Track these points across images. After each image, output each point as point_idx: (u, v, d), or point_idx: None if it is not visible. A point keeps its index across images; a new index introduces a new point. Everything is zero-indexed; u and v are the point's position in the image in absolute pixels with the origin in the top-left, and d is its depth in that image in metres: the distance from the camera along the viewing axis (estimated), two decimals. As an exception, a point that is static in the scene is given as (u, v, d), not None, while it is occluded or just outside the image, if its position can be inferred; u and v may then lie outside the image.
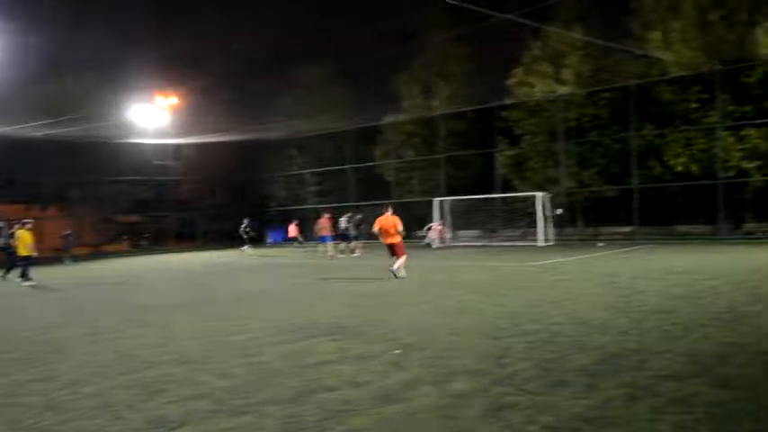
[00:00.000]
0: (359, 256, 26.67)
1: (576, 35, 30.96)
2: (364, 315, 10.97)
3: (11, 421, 5.85)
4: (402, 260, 17.06)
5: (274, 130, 42.37)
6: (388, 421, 5.33)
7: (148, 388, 6.72)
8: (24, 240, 20.76)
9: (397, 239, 17.14)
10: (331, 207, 34.57)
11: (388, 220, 17.19)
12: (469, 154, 39.10)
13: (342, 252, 27.43)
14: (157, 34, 22.53)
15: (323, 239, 27.63)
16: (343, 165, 42.43)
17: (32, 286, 19.99)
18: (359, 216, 29.18)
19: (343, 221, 30.15)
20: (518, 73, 35.38)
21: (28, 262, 20.90)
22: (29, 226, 21.29)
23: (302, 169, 44.92)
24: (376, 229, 17.33)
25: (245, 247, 32.95)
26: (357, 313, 11.25)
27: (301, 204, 44.21)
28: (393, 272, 16.80)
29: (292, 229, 35.47)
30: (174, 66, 30.02)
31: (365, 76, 35.79)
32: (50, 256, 33.51)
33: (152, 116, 40.66)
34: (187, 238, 47.93)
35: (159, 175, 45.54)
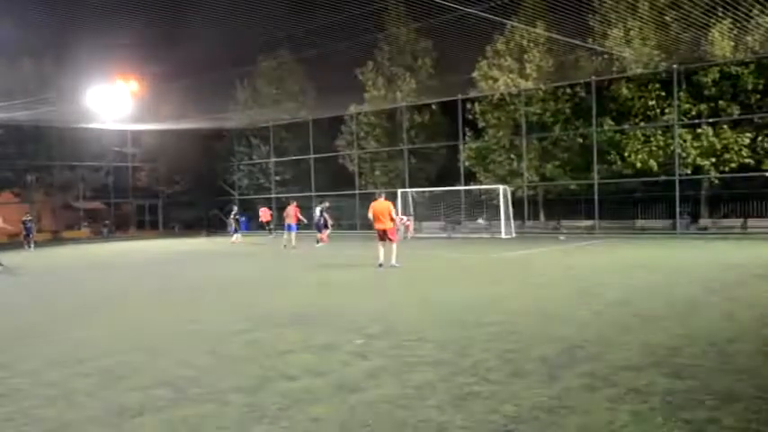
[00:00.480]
0: (325, 246, 26.60)
1: (539, 31, 31.19)
2: (329, 305, 10.96)
3: (-35, 409, 5.72)
4: (395, 248, 17.23)
5: (235, 119, 42.02)
6: (349, 410, 5.33)
7: (107, 376, 6.63)
8: None
9: (390, 225, 17.28)
10: (295, 197, 34.36)
11: (382, 206, 17.33)
12: (433, 146, 39.24)
13: (318, 242, 27.23)
14: (119, 16, 22.10)
15: (289, 228, 27.49)
16: (305, 154, 42.22)
17: None
18: (327, 205, 29.10)
19: (318, 211, 30.21)
20: (482, 66, 35.52)
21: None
22: None
23: (264, 158, 44.60)
24: (370, 214, 17.37)
25: (236, 236, 32.48)
26: (322, 303, 11.24)
27: (264, 194, 43.93)
28: (392, 264, 16.84)
29: (265, 214, 35.30)
30: (135, 49, 29.38)
31: (327, 66, 35.53)
32: (7, 242, 32.81)
33: (111, 101, 39.87)
34: (148, 225, 47.35)
35: (119, 161, 44.91)
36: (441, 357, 7.00)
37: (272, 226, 35.54)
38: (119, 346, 8.08)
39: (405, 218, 31.61)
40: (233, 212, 34.07)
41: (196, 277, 16.88)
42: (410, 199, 33.97)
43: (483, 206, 33.31)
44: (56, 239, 38.59)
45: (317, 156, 41.59)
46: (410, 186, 35.96)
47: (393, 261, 16.89)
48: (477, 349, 7.32)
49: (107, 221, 44.86)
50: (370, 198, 34.43)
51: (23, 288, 16.18)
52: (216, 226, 44.90)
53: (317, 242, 26.87)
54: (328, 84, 38.00)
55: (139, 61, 32.39)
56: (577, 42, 28.99)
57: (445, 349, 7.35)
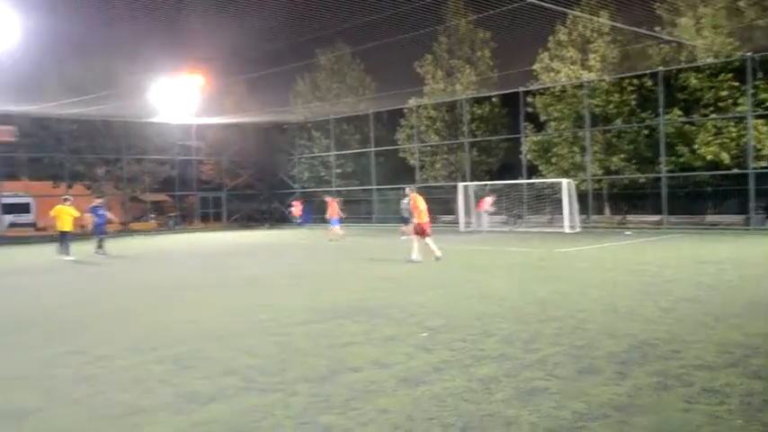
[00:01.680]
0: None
1: (603, 20, 30.50)
2: (390, 297, 10.99)
3: (46, 392, 5.96)
4: (413, 242, 17.23)
5: (296, 113, 42.42)
6: (415, 403, 5.34)
7: (179, 363, 6.80)
8: (63, 216, 21.14)
9: (424, 219, 17.23)
10: (354, 190, 34.58)
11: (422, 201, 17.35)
12: (494, 139, 38.87)
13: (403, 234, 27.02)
14: (186, 11, 22.50)
15: (332, 222, 28.02)
16: (365, 148, 42.39)
17: (72, 261, 20.47)
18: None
19: (405, 202, 30.37)
20: (543, 58, 34.97)
21: (66, 237, 21.30)
22: (69, 203, 21.72)
23: (325, 151, 44.93)
24: (424, 207, 17.24)
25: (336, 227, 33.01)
26: (382, 295, 11.27)
27: (325, 186, 44.30)
28: (412, 258, 16.81)
29: (297, 208, 35.71)
30: (201, 45, 29.94)
31: (386, 60, 35.54)
32: (79, 232, 33.89)
33: (177, 96, 40.81)
34: (212, 217, 48.27)
35: (184, 154, 45.95)
36: (506, 352, 6.94)
37: (300, 220, 35.89)
38: (189, 335, 8.28)
39: (489, 198, 31.16)
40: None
41: (259, 268, 17.13)
42: (471, 192, 33.72)
43: (546, 200, 32.78)
44: (124, 231, 39.63)
45: (377, 149, 41.67)
46: (471, 180, 35.70)
47: (413, 255, 16.90)
48: (542, 344, 7.24)
49: (172, 213, 45.89)
50: (430, 191, 34.49)
51: (98, 277, 16.70)
52: (277, 218, 45.54)
53: (402, 235, 26.56)
54: (388, 77, 38.05)
55: (204, 56, 33.07)
56: (644, 31, 28.25)
57: (510, 344, 7.29)
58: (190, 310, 10.47)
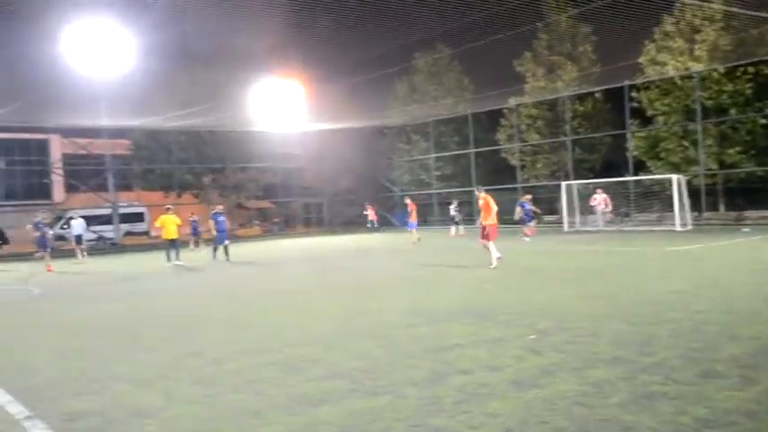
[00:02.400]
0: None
1: (715, 6, 29.10)
2: (494, 299, 10.86)
3: (167, 393, 6.21)
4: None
5: (394, 117, 42.64)
6: (527, 406, 5.23)
7: (288, 366, 6.94)
8: (169, 225, 22.24)
9: (490, 222, 16.44)
10: (455, 192, 34.37)
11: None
12: (598, 136, 37.83)
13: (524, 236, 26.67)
14: (287, 20, 23.09)
15: (411, 225, 28.24)
16: (465, 149, 42.18)
17: (177, 266, 21.56)
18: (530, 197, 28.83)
19: (453, 208, 30.63)
20: (649, 50, 33.72)
21: (175, 244, 22.54)
22: (171, 211, 22.85)
23: (425, 154, 44.98)
24: (496, 209, 16.51)
25: (456, 228, 33.28)
26: (484, 297, 11.15)
27: (425, 189, 44.36)
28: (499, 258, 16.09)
29: (370, 213, 35.84)
30: (300, 54, 30.58)
31: (485, 60, 35.16)
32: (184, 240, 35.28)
33: (278, 104, 41.87)
34: (314, 222, 49.22)
35: (285, 162, 47.11)
36: (619, 354, 6.71)
37: (376, 224, 35.90)
38: (296, 338, 8.45)
39: (600, 193, 30.22)
40: (453, 205, 34.70)
41: (361, 272, 17.30)
42: (575, 191, 32.93)
43: (654, 197, 31.59)
44: (231, 237, 40.91)
45: (477, 150, 41.39)
46: (574, 178, 34.89)
47: (494, 259, 15.94)
48: (658, 347, 6.95)
49: (276, 219, 47.13)
50: (533, 191, 33.92)
51: (208, 282, 17.33)
52: (378, 222, 45.92)
53: (524, 236, 26.24)
54: (486, 77, 37.66)
55: (304, 64, 33.76)
56: (765, 15, 26.66)
57: (623, 346, 7.04)
58: (295, 313, 10.70)
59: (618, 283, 12.49)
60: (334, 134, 45.00)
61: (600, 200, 30.14)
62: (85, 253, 28.97)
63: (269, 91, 38.84)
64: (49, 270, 22.01)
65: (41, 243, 22.46)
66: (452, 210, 34.01)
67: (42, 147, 50.46)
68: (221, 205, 23.90)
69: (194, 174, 44.23)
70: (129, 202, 44.49)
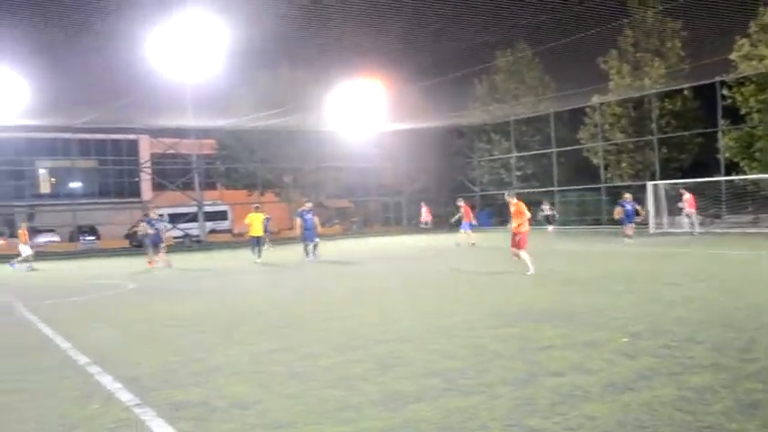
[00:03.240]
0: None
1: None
2: (582, 301, 10.72)
3: (262, 386, 6.42)
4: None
5: (474, 116, 42.44)
6: (624, 410, 5.19)
7: (379, 363, 7.06)
8: (256, 223, 23.15)
9: (524, 228, 15.62)
10: (536, 192, 33.93)
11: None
12: (687, 134, 36.70)
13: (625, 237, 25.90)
14: (364, 22, 23.35)
15: (467, 226, 27.90)
16: (546, 148, 41.63)
17: (260, 263, 22.32)
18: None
19: (546, 208, 30.23)
20: (743, 45, 32.50)
21: (260, 241, 23.42)
22: (259, 210, 23.63)
23: (505, 153, 44.61)
24: (528, 216, 15.71)
25: (550, 227, 33.23)
26: (569, 299, 11.02)
27: (505, 189, 44.02)
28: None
29: (424, 213, 35.66)
30: (379, 54, 30.82)
31: (567, 57, 34.58)
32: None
33: (357, 104, 42.31)
34: (393, 221, 49.48)
35: (364, 161, 47.52)
36: (718, 361, 6.55)
37: (430, 225, 35.62)
38: (384, 336, 8.57)
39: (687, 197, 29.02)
40: (545, 206, 34.60)
41: (443, 271, 17.33)
42: (662, 192, 32.06)
43: (748, 198, 30.46)
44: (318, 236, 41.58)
45: (558, 149, 40.80)
46: (661, 178, 33.96)
47: (529, 269, 15.21)
48: (761, 353, 6.75)
49: (355, 218, 47.64)
50: (615, 192, 33.20)
51: (296, 279, 17.71)
52: (457, 222, 45.83)
53: (624, 236, 25.51)
54: (569, 75, 37.08)
55: (384, 65, 33.99)
56: None
57: (722, 352, 6.87)
58: (381, 312, 10.83)
59: (713, 286, 12.14)
60: (412, 133, 45.20)
61: (688, 200, 29.17)
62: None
63: (349, 92, 39.29)
64: (150, 265, 22.41)
65: (155, 240, 22.84)
66: (546, 210, 33.70)
67: (132, 147, 52.47)
68: (310, 203, 23.86)
69: (276, 173, 45.15)
70: (213, 200, 45.79)
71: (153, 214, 23.93)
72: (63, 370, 7.57)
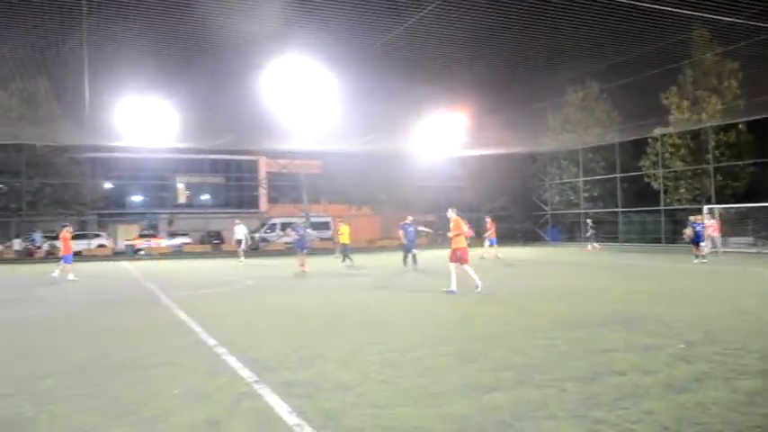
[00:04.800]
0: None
1: None
2: (643, 310, 10.36)
3: (361, 373, 6.55)
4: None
5: (547, 144, 41.75)
6: (680, 408, 5.04)
7: (460, 357, 7.07)
8: (345, 232, 24.29)
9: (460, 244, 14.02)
10: (599, 212, 32.95)
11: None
12: (740, 164, 34.93)
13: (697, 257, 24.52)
14: (452, 63, 23.41)
15: (491, 241, 27.22)
16: (611, 173, 40.54)
17: (350, 266, 22.79)
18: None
19: (589, 226, 29.70)
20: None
21: (346, 249, 24.12)
22: (344, 222, 25.17)
23: (574, 178, 43.65)
24: (466, 229, 14.13)
25: (592, 245, 32.57)
26: (635, 309, 10.66)
27: (573, 209, 43.11)
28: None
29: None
30: (462, 88, 30.77)
31: (632, 93, 33.60)
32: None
33: (443, 131, 42.41)
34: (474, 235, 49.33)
35: (448, 181, 47.58)
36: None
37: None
38: (466, 334, 8.57)
39: (708, 221, 27.46)
40: (589, 224, 33.90)
41: (516, 281, 17.10)
42: (716, 215, 30.55)
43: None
44: (399, 246, 41.72)
45: (622, 175, 39.67)
46: (716, 203, 32.40)
47: (451, 286, 13.75)
48: (810, 364, 6.41)
49: (440, 231, 47.54)
50: (674, 214, 31.93)
51: (388, 281, 17.83)
52: (529, 237, 45.30)
53: (696, 256, 23.63)
54: (633, 109, 36.04)
55: (466, 97, 33.98)
56: None
57: (773, 362, 6.55)
58: (465, 313, 10.82)
59: (765, 302, 11.52)
60: (493, 158, 44.84)
61: (711, 225, 27.45)
62: (242, 257, 28.16)
63: (437, 121, 39.45)
64: (303, 269, 21.12)
65: (300, 244, 22.06)
66: (589, 228, 32.86)
67: (252, 166, 54.14)
68: (411, 217, 23.07)
69: (372, 190, 45.69)
70: (317, 212, 46.76)
71: (299, 222, 24.22)
72: (196, 349, 7.93)
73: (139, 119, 30.49)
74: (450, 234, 14.03)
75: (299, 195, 46.47)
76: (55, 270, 20.66)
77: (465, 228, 13.91)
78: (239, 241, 28.50)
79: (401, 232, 22.33)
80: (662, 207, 36.46)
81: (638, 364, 6.51)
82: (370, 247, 37.88)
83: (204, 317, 10.78)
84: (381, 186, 45.47)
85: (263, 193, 52.99)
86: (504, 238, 45.96)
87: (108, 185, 47.95)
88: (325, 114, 29.66)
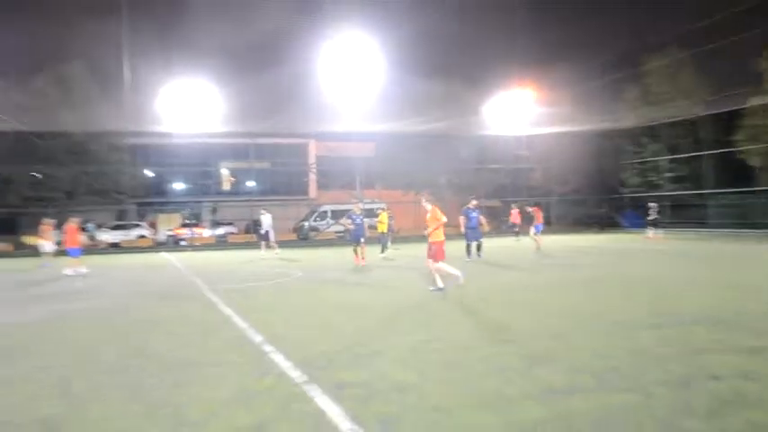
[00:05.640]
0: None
1: None
2: (741, 306, 9.90)
3: (419, 372, 6.46)
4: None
5: (625, 119, 40.63)
6: (791, 419, 4.75)
7: (531, 358, 6.88)
8: (383, 220, 24.24)
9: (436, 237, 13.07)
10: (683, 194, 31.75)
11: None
12: None
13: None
14: (518, 31, 22.82)
15: (536, 228, 25.89)
16: (698, 151, 39.14)
17: (385, 257, 23.02)
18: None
19: (652, 210, 28.72)
20: None
21: (385, 238, 24.27)
22: (385, 207, 25.58)
23: (655, 156, 42.37)
24: (444, 220, 13.09)
25: (654, 231, 31.83)
26: (731, 305, 10.20)
27: (655, 191, 41.83)
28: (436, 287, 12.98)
29: (514, 215, 33.88)
30: (532, 59, 30.18)
31: (722, 59, 32.22)
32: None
33: (511, 108, 41.83)
34: (544, 222, 48.43)
35: (515, 163, 46.93)
36: None
37: (517, 228, 33.62)
38: (536, 331, 8.34)
39: None
40: (651, 209, 33.04)
41: (590, 271, 16.66)
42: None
43: None
44: (459, 235, 41.22)
45: (711, 152, 38.24)
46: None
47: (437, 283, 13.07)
48: None
49: (504, 218, 47.03)
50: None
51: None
52: (606, 222, 44.24)
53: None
54: (723, 78, 34.68)
55: (536, 71, 33.35)
56: None
57: None
58: (533, 308, 10.57)
59: None
60: (563, 137, 44.04)
61: None
62: (269, 246, 26.90)
63: (504, 98, 38.93)
64: (360, 262, 20.89)
65: (357, 234, 21.47)
66: (652, 212, 31.84)
67: (301, 150, 54.56)
68: (475, 200, 21.76)
69: (431, 174, 45.42)
70: (371, 199, 46.68)
71: (357, 209, 22.90)
72: (242, 347, 7.98)
73: (182, 102, 31.18)
74: (427, 230, 13.08)
75: (351, 180, 46.59)
76: (66, 268, 20.26)
77: (443, 218, 12.96)
78: (266, 233, 26.80)
79: (462, 218, 21.41)
80: (759, 187, 35.05)
81: (738, 368, 6.20)
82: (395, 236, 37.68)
83: (250, 312, 10.88)
84: (440, 169, 45.17)
85: (312, 178, 53.37)
86: (577, 224, 45.19)
87: (148, 173, 49.17)
88: (379, 92, 29.71)
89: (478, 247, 21.57)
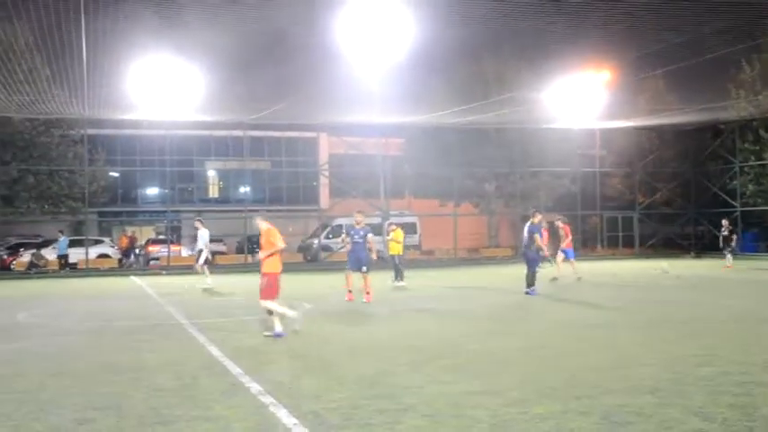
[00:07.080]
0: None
1: None
2: None
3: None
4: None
5: (737, 109, 39.91)
6: None
7: (607, 418, 6.80)
8: (397, 239, 24.14)
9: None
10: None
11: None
12: None
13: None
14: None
15: (567, 254, 26.18)
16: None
17: (399, 287, 23.03)
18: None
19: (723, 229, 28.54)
20: None
21: (398, 262, 24.17)
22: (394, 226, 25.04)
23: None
24: (282, 246, 13.04)
25: (728, 260, 31.44)
26: None
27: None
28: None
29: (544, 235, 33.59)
30: (608, 33, 29.87)
31: None
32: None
33: (580, 96, 41.46)
34: (621, 242, 47.89)
35: (586, 166, 46.37)
36: None
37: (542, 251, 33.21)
38: (616, 384, 8.25)
39: None
40: (723, 229, 32.71)
41: (694, 306, 16.52)
42: None
43: None
44: (515, 256, 40.96)
45: None
46: None
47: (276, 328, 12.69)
48: None
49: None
50: None
51: (493, 306, 17.61)
52: (706, 244, 43.54)
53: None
54: None
55: (612, 48, 32.92)
56: None
57: None
58: (609, 352, 10.49)
59: None
60: (649, 132, 43.64)
61: None
62: (196, 271, 25.63)
63: (571, 83, 38.58)
64: (364, 298, 20.16)
65: (356, 257, 21.44)
66: (724, 232, 31.45)
67: (310, 146, 54.54)
68: (539, 215, 21.95)
69: (475, 179, 45.02)
70: (399, 210, 46.31)
71: (358, 220, 21.87)
72: (235, 398, 7.98)
73: (157, 84, 31.30)
74: (260, 255, 13.14)
75: (375, 186, 46.19)
76: None
77: (280, 243, 12.93)
78: (200, 251, 25.37)
79: (538, 236, 21.39)
80: None
81: None
82: (471, 258, 37.46)
83: (243, 353, 10.94)
84: (489, 174, 44.82)
85: (324, 182, 53.12)
86: (667, 246, 44.52)
87: (113, 174, 49.17)
88: (412, 72, 29.56)
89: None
